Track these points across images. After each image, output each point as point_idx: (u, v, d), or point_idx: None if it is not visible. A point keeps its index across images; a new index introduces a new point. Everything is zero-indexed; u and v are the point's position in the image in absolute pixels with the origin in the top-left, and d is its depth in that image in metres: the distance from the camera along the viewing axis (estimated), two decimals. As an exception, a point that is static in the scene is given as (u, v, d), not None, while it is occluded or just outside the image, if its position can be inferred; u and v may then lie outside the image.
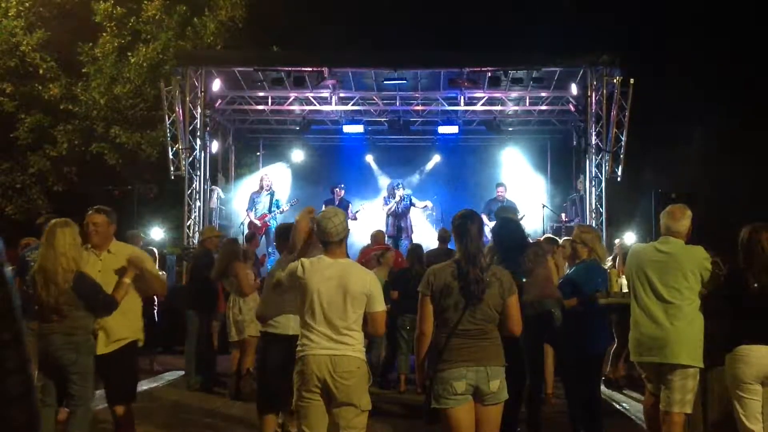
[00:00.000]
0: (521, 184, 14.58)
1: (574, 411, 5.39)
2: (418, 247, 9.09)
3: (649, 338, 4.55)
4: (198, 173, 12.89)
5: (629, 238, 15.47)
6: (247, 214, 13.45)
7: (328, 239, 3.90)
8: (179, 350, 10.39)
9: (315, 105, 13.83)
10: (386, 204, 13.34)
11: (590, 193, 12.60)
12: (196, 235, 12.66)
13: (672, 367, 4.47)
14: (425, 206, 13.84)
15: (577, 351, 5.20)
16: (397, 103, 14.03)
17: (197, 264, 8.46)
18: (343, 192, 13.65)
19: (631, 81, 12.10)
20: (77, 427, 4.67)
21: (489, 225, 9.53)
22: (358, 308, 3.82)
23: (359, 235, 11.63)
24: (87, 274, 4.68)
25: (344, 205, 12.94)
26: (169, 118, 12.77)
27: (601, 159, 12.52)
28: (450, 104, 13.78)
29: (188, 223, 12.76)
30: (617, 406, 7.20)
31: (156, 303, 9.65)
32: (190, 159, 12.81)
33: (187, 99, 12.59)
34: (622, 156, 12.37)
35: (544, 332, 5.38)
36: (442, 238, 9.72)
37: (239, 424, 6.64)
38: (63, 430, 4.78)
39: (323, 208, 13.27)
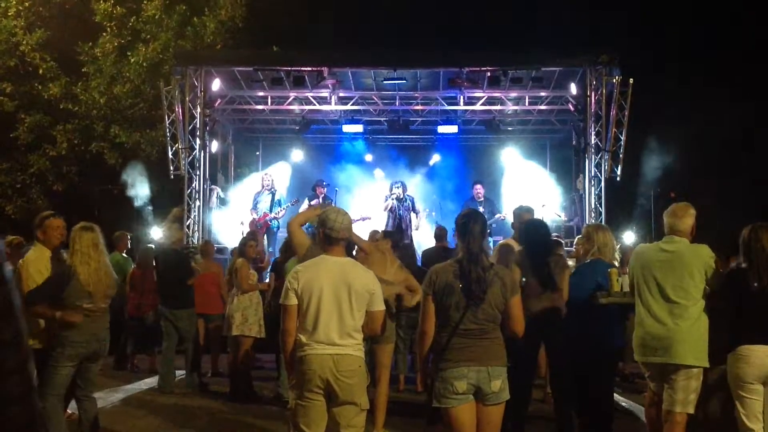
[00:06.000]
0: (520, 183, 14.57)
1: (582, 414, 5.35)
2: (409, 245, 9.09)
3: (653, 338, 4.54)
4: (197, 173, 12.88)
5: (629, 237, 15.50)
6: (251, 213, 13.46)
7: (333, 235, 3.90)
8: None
9: (314, 105, 13.81)
10: (384, 201, 13.33)
11: (590, 192, 12.58)
12: (196, 234, 12.66)
13: (676, 367, 4.46)
14: (418, 218, 13.59)
15: (586, 352, 5.18)
16: (397, 103, 14.01)
17: (181, 267, 8.33)
18: (325, 190, 13.63)
19: (631, 81, 12.09)
20: (95, 404, 5.23)
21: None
22: (362, 307, 3.82)
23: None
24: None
25: (327, 203, 12.90)
26: (168, 118, 12.77)
27: (600, 159, 12.50)
28: (449, 104, 13.76)
29: (188, 223, 12.74)
30: (618, 405, 7.20)
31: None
32: (190, 159, 12.80)
33: (187, 99, 12.58)
34: (621, 156, 12.36)
35: (540, 338, 5.39)
36: (438, 237, 9.74)
37: (239, 424, 6.64)
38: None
39: (305, 203, 13.33)
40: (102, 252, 5.02)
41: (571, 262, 7.41)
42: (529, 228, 5.71)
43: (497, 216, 13.03)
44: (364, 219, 12.80)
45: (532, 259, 5.31)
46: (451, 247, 9.85)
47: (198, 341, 8.50)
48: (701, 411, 4.69)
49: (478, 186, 13.54)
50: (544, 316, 5.21)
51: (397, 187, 13.16)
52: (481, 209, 12.62)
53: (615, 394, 7.62)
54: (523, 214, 6.15)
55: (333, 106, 13.83)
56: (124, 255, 10.05)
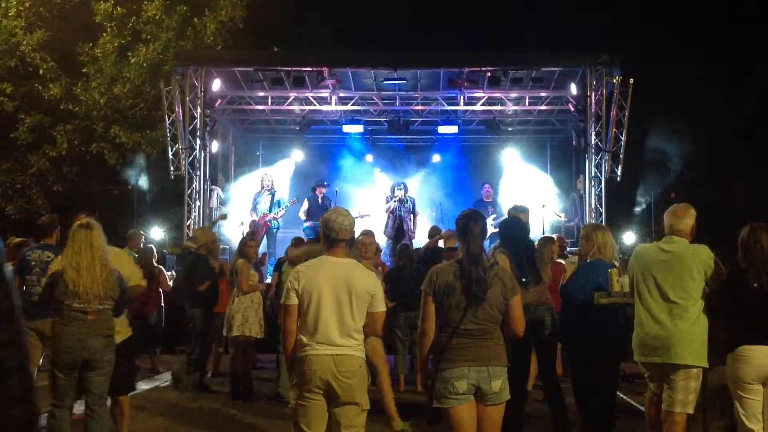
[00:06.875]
0: (521, 184, 14.57)
1: (584, 415, 5.34)
2: (407, 247, 9.10)
3: (652, 338, 4.54)
4: (198, 173, 12.88)
5: (629, 238, 15.50)
6: (250, 214, 13.45)
7: (337, 237, 3.89)
8: (180, 350, 10.42)
9: (315, 105, 13.82)
10: (386, 203, 13.31)
11: (590, 193, 12.59)
12: (197, 235, 12.64)
13: (675, 367, 4.46)
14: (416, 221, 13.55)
15: (585, 351, 5.17)
16: (397, 103, 14.02)
17: (195, 270, 8.38)
18: (325, 190, 13.63)
19: (631, 81, 12.09)
20: (102, 422, 4.82)
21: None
22: (363, 308, 3.83)
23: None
24: (122, 274, 4.89)
25: (326, 203, 12.89)
26: (169, 118, 12.77)
27: (600, 159, 12.51)
28: (450, 104, 13.77)
29: (188, 223, 12.75)
30: (618, 405, 7.19)
31: (163, 304, 9.68)
32: (190, 159, 12.80)
33: (187, 99, 12.58)
34: (621, 156, 12.37)
35: (532, 337, 5.39)
36: (432, 236, 9.75)
37: (239, 424, 6.64)
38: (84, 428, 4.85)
39: (305, 203, 13.34)
40: (98, 250, 4.63)
41: (573, 260, 7.44)
42: (505, 226, 5.82)
43: (504, 217, 13.00)
44: (362, 216, 12.80)
45: (514, 255, 5.32)
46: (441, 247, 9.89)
47: (204, 342, 8.47)
48: (701, 411, 4.69)
49: (488, 187, 13.52)
50: (530, 309, 5.25)
51: (400, 189, 13.13)
52: (489, 210, 12.64)
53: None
54: (518, 215, 6.16)
55: (333, 107, 13.83)
56: (134, 253, 10.05)
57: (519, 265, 5.19)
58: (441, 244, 9.12)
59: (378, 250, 8.81)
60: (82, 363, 4.64)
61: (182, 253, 8.81)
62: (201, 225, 12.80)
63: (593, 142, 12.53)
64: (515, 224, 5.76)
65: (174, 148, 12.78)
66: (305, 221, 13.28)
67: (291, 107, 14.00)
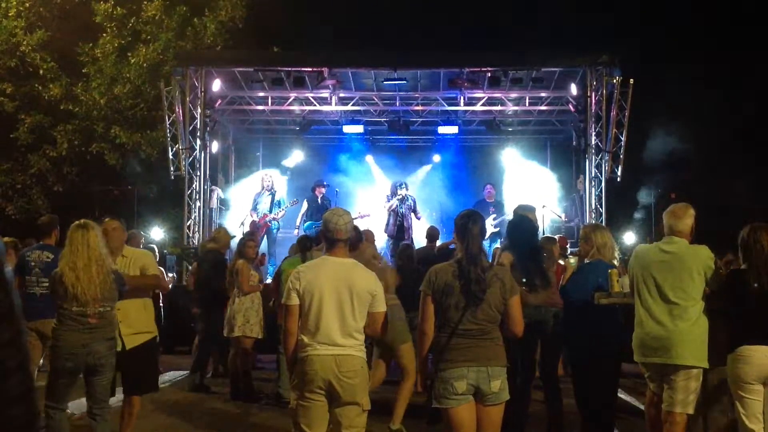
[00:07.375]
0: (521, 184, 14.56)
1: (584, 415, 5.33)
2: (408, 246, 9.09)
3: (653, 339, 4.53)
4: (198, 173, 12.88)
5: (629, 238, 15.50)
6: (250, 215, 13.44)
7: (337, 237, 3.89)
8: (180, 350, 10.42)
9: (315, 105, 13.81)
10: (387, 201, 13.30)
11: (590, 193, 12.59)
12: (196, 235, 12.64)
13: (676, 367, 4.45)
14: (418, 220, 13.51)
15: (585, 352, 5.17)
16: (397, 103, 14.01)
17: (211, 268, 8.40)
18: (325, 190, 13.61)
19: (631, 81, 12.09)
20: (106, 424, 4.76)
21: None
22: (364, 308, 3.83)
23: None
24: (121, 273, 4.85)
25: (325, 204, 12.88)
26: (169, 119, 12.77)
27: (600, 159, 12.51)
28: (450, 104, 13.76)
29: (188, 224, 12.74)
30: (619, 405, 7.19)
31: (162, 303, 9.66)
32: (190, 159, 12.80)
33: (187, 99, 12.58)
34: (621, 156, 12.37)
35: (536, 336, 5.39)
36: (431, 236, 9.74)
37: (239, 424, 6.64)
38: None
39: (305, 204, 13.32)
40: (95, 250, 4.50)
41: (573, 260, 7.44)
42: (512, 225, 5.80)
43: (504, 217, 13.00)
44: (362, 216, 12.78)
45: (518, 255, 5.31)
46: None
47: (204, 342, 8.45)
48: (701, 411, 4.69)
49: (489, 187, 13.51)
50: (538, 312, 5.24)
51: (401, 188, 13.13)
52: (491, 210, 12.63)
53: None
54: (526, 214, 6.14)
55: (333, 107, 13.83)
56: None
57: (522, 266, 5.18)
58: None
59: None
60: (85, 368, 4.58)
61: (202, 252, 8.83)
62: (201, 226, 12.82)
63: (593, 142, 12.52)
64: (522, 223, 5.71)
65: (174, 149, 12.78)
66: (304, 222, 13.26)
67: (291, 107, 13.99)
